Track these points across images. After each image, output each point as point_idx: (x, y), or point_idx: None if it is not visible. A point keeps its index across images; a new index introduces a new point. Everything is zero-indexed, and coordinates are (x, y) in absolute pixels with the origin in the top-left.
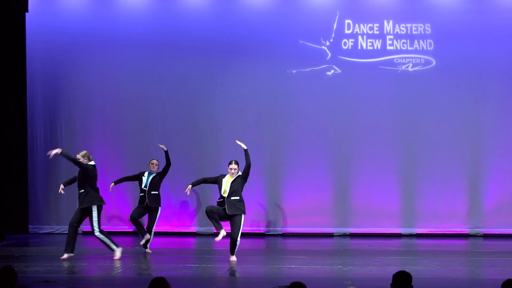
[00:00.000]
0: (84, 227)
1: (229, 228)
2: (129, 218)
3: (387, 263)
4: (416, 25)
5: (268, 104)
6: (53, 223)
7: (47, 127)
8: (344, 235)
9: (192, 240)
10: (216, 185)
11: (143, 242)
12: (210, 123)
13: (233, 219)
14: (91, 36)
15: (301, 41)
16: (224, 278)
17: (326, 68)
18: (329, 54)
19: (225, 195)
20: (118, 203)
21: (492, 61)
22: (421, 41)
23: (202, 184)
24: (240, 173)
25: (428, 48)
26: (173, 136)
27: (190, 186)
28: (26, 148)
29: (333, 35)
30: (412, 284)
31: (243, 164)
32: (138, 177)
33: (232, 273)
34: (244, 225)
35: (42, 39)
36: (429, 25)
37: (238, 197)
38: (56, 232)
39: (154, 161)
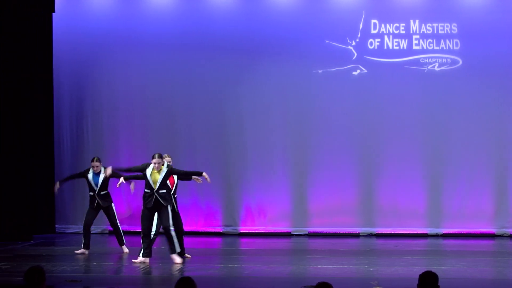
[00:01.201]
0: (109, 227)
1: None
2: (83, 224)
3: (413, 263)
4: (442, 24)
5: (294, 104)
6: (80, 223)
7: (73, 127)
8: (370, 235)
9: (218, 240)
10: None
11: (80, 252)
12: (236, 123)
13: (160, 211)
14: (117, 36)
15: (327, 41)
16: (250, 278)
17: (352, 68)
18: (355, 54)
19: (155, 187)
20: (130, 202)
21: None
22: (447, 41)
23: (227, 184)
24: (167, 167)
25: (455, 48)
26: (198, 136)
27: (109, 169)
28: (53, 148)
29: (359, 35)
30: (438, 284)
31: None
32: (83, 175)
33: (258, 273)
34: (270, 225)
35: (68, 39)
36: (455, 24)
37: (165, 190)
38: (82, 231)
39: (96, 163)
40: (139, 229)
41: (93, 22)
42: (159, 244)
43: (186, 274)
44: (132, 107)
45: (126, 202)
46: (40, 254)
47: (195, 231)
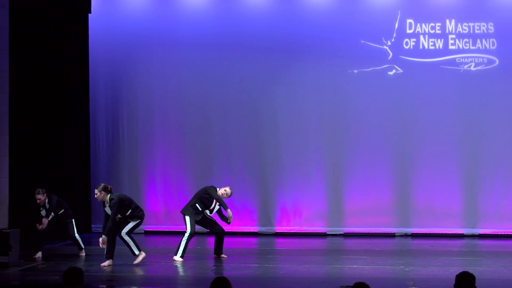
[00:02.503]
0: (145, 227)
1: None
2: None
3: (449, 263)
4: (478, 24)
5: (330, 104)
6: None
7: (109, 127)
8: (406, 235)
9: (254, 240)
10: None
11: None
12: (271, 123)
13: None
14: (152, 37)
15: (362, 41)
16: (286, 278)
17: (387, 68)
18: (391, 54)
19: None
20: (167, 201)
21: None
22: (483, 40)
23: (263, 184)
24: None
25: (491, 47)
26: (233, 136)
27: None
28: (89, 148)
29: (394, 35)
30: (475, 285)
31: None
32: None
33: (292, 273)
34: (306, 225)
35: (104, 39)
36: (492, 24)
37: (120, 216)
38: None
39: (37, 196)
40: (175, 229)
41: (129, 22)
42: (195, 244)
43: (222, 274)
44: (168, 107)
45: (162, 202)
46: (76, 254)
47: (230, 231)
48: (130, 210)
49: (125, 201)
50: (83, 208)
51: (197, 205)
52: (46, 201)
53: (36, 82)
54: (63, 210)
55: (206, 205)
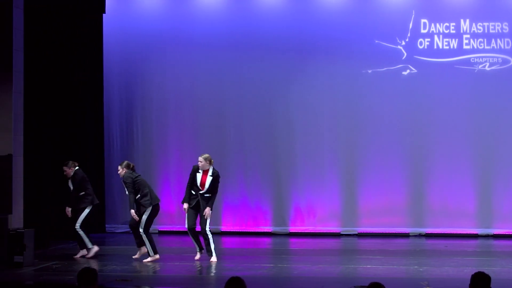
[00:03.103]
0: (159, 226)
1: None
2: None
3: (463, 264)
4: (493, 23)
5: (343, 104)
6: None
7: (123, 127)
8: (420, 235)
9: (268, 240)
10: None
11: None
12: (285, 123)
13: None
14: (166, 37)
15: (376, 41)
16: (300, 278)
17: (401, 68)
18: (405, 54)
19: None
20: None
21: None
22: (498, 40)
23: (277, 184)
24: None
25: (506, 47)
26: (247, 136)
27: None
28: (103, 148)
29: (408, 35)
30: (490, 285)
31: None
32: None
33: (306, 273)
34: (319, 225)
35: (118, 40)
36: (506, 23)
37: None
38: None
39: (65, 168)
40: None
41: (143, 22)
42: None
43: (236, 274)
44: (182, 107)
45: (176, 202)
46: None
47: (244, 231)
48: (138, 195)
49: (136, 183)
50: (96, 209)
51: (191, 191)
52: (71, 176)
53: (50, 83)
54: (83, 192)
55: (195, 185)
